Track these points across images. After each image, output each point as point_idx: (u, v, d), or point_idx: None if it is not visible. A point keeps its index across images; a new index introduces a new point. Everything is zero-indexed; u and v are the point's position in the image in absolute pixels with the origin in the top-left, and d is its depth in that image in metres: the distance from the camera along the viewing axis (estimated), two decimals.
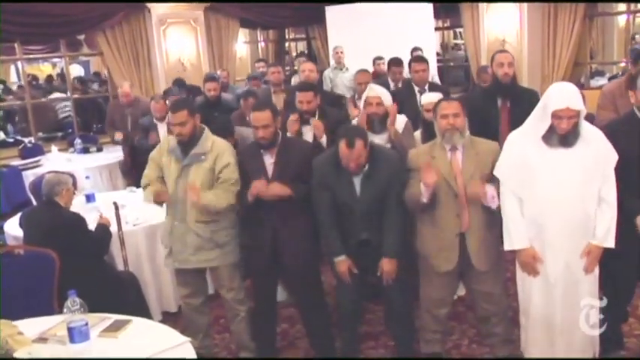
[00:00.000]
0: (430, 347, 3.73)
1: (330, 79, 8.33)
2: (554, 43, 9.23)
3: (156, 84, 9.05)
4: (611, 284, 3.27)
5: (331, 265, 3.61)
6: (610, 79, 9.64)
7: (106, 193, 5.74)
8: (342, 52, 8.45)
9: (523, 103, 4.10)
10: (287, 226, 3.58)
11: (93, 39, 9.57)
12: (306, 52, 12.10)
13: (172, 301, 4.62)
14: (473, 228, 3.36)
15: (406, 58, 6.93)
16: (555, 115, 2.98)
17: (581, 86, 9.02)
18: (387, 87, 5.44)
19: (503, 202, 3.20)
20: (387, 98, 4.16)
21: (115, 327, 2.95)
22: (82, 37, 10.91)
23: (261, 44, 12.84)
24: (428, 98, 4.30)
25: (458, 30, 12.50)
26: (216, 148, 3.64)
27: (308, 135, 4.26)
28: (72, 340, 2.70)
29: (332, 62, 8.90)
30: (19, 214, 4.45)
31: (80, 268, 3.74)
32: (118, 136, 7.14)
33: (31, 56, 11.48)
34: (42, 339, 2.86)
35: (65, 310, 2.75)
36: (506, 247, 3.23)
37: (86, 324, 2.71)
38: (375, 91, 4.18)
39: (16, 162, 7.57)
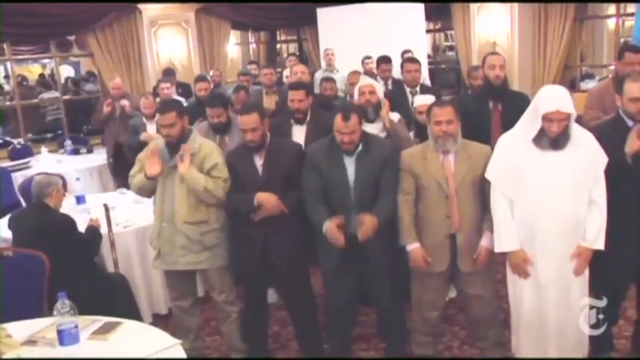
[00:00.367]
0: (421, 349, 3.73)
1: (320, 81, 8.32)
2: (544, 45, 9.29)
3: (147, 85, 9.02)
4: (602, 286, 3.28)
5: (322, 264, 3.61)
6: (600, 81, 9.68)
7: (97, 195, 5.72)
8: (332, 54, 8.46)
9: (514, 105, 4.11)
10: (277, 229, 3.57)
11: (83, 40, 9.53)
12: (297, 53, 12.10)
13: (163, 303, 4.60)
14: (464, 229, 3.37)
15: (397, 61, 6.96)
16: (546, 118, 3.00)
17: (573, 88, 9.08)
18: None
19: (494, 204, 3.21)
20: (379, 88, 4.20)
21: (105, 329, 2.93)
22: (72, 37, 10.85)
23: (253, 46, 12.83)
24: (421, 100, 4.31)
25: (449, 32, 12.53)
26: (204, 149, 3.63)
27: (299, 136, 4.25)
28: (61, 342, 2.69)
29: (323, 64, 8.91)
30: (8, 216, 4.42)
31: (70, 270, 3.72)
32: (107, 108, 6.97)
33: (21, 57, 11.40)
34: (31, 341, 2.84)
35: (55, 312, 2.73)
36: (497, 249, 3.24)
37: (76, 326, 2.70)
38: (367, 80, 4.21)
39: (5, 163, 7.51)
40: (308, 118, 4.28)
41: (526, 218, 3.12)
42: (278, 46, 13.51)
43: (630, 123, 3.24)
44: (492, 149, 3.33)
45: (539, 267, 3.14)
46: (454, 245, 3.39)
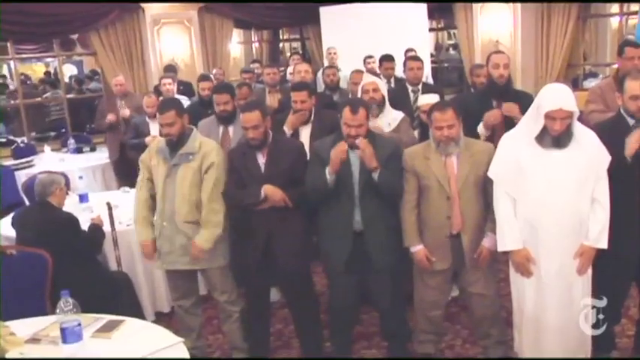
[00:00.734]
0: (424, 348, 3.74)
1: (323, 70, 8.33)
2: (547, 44, 9.26)
3: (149, 83, 9.01)
4: (604, 285, 3.27)
5: (325, 263, 3.62)
6: (602, 80, 9.66)
7: (100, 193, 5.73)
8: (335, 53, 8.45)
9: (518, 105, 4.11)
10: (280, 227, 3.57)
11: (86, 39, 9.54)
12: (300, 52, 12.11)
13: (165, 301, 4.61)
14: (467, 229, 3.37)
15: (400, 60, 6.96)
16: (548, 116, 2.99)
17: (576, 87, 9.06)
18: None
19: (497, 203, 3.21)
20: (382, 85, 4.23)
21: (108, 327, 2.94)
22: (75, 36, 10.87)
23: (255, 44, 12.83)
24: (424, 100, 4.32)
25: (452, 31, 12.51)
26: (204, 148, 3.64)
27: (303, 135, 4.26)
28: (65, 340, 2.69)
29: (325, 63, 8.89)
30: (11, 215, 4.43)
31: (73, 269, 3.73)
32: (111, 117, 6.98)
33: (24, 56, 11.43)
34: (34, 339, 2.85)
35: (58, 310, 2.73)
36: (500, 248, 3.24)
37: (79, 324, 2.71)
38: (371, 77, 4.24)
39: (9, 162, 7.53)
40: (312, 118, 4.29)
41: (528, 217, 3.12)
42: (281, 44, 13.51)
43: (631, 121, 3.24)
44: (495, 148, 3.32)
45: (542, 265, 3.14)
46: (456, 244, 3.40)
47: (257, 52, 12.71)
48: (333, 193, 3.46)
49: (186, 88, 7.74)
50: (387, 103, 4.30)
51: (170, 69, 8.22)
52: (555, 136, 3.02)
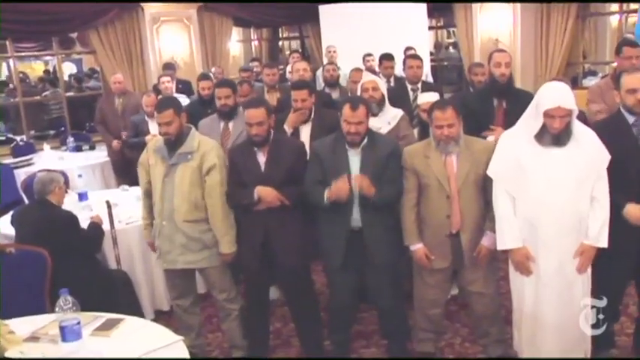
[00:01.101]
0: (423, 346, 3.74)
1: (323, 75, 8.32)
2: (546, 43, 9.27)
3: (149, 82, 9.00)
4: (603, 283, 3.27)
5: (325, 261, 3.61)
6: (602, 78, 9.66)
7: (99, 192, 5.73)
8: (334, 52, 8.44)
9: (519, 104, 4.09)
10: (279, 225, 3.57)
11: (86, 37, 9.53)
12: (299, 50, 12.10)
13: (165, 299, 4.60)
14: (466, 228, 3.37)
15: (399, 58, 6.95)
16: (547, 115, 2.99)
17: (575, 85, 9.05)
18: None
19: (496, 201, 3.21)
20: (382, 84, 4.23)
21: (108, 326, 2.94)
22: (74, 35, 10.86)
23: (255, 43, 12.81)
24: (424, 98, 4.31)
25: (452, 30, 12.51)
26: (203, 147, 3.63)
27: (304, 134, 4.25)
28: (64, 338, 2.68)
29: (325, 62, 8.88)
30: (10, 213, 4.43)
31: (72, 267, 3.73)
32: (116, 145, 6.99)
33: (23, 54, 11.42)
34: (33, 338, 2.85)
35: (57, 308, 2.73)
36: (500, 246, 3.24)
37: (78, 323, 2.70)
38: (370, 76, 4.23)
39: (8, 160, 7.53)
40: (312, 116, 4.28)
41: (528, 215, 3.12)
42: (280, 43, 13.50)
43: (631, 119, 3.24)
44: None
45: (542, 264, 3.14)
46: (455, 243, 3.40)
47: (256, 50, 12.70)
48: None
49: (185, 87, 7.74)
50: (387, 101, 4.31)
51: (169, 67, 8.22)
52: (555, 134, 3.02)
